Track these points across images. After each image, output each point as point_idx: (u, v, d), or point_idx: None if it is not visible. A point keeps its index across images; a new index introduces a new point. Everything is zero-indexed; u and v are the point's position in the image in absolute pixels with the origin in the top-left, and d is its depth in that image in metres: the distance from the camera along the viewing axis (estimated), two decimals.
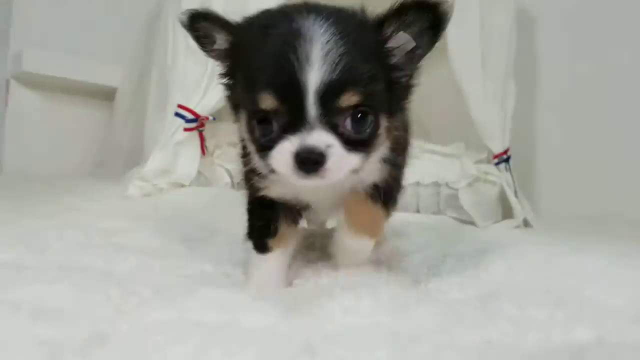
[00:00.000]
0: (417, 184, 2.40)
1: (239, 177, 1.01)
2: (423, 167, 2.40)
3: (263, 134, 0.77)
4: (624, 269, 0.99)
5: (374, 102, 0.77)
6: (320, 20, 0.75)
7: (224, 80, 0.90)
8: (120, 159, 2.91)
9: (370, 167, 0.85)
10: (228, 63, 0.88)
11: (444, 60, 2.38)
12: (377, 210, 0.93)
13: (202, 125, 2.18)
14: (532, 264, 1.07)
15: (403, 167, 0.99)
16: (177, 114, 2.11)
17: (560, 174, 2.79)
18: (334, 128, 0.74)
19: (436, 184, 2.41)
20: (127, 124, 2.90)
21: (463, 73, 2.42)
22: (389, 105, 0.82)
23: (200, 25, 0.87)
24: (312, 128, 0.73)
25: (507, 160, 2.48)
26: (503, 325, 0.68)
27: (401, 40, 0.80)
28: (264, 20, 0.81)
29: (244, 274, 1.00)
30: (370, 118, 0.77)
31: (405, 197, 2.35)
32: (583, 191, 2.64)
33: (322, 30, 0.73)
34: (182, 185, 2.07)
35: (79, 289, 0.77)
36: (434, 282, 0.98)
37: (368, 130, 0.77)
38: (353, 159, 0.77)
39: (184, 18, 0.87)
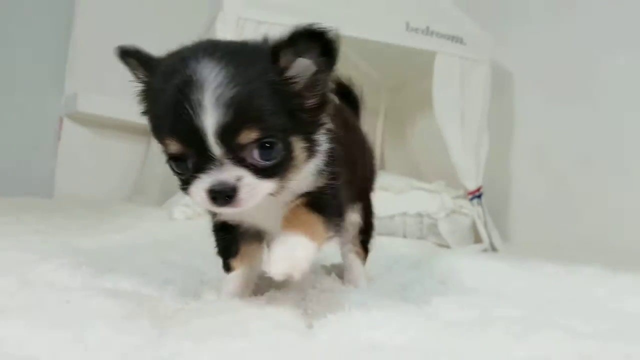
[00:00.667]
0: (404, 214, 2.89)
1: None
2: (410, 200, 2.93)
3: (180, 172, 0.82)
4: None
5: (277, 131, 0.79)
6: (212, 62, 0.76)
7: (145, 118, 0.90)
8: (155, 187, 3.35)
9: (299, 181, 0.88)
10: (144, 103, 0.88)
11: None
12: (312, 214, 0.89)
13: None
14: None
15: (338, 179, 0.94)
16: None
17: (531, 207, 3.24)
18: (241, 161, 0.78)
19: (420, 215, 2.89)
20: (162, 157, 3.36)
21: (445, 125, 2.98)
22: (301, 128, 0.83)
23: (128, 61, 0.88)
24: (221, 164, 0.77)
25: (479, 196, 3.01)
26: None
27: (301, 66, 0.81)
28: (164, 67, 0.82)
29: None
30: (277, 146, 0.79)
31: (394, 224, 2.87)
32: (552, 221, 3.06)
33: (213, 74, 0.75)
34: None
35: (186, 276, 1.23)
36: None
37: (278, 157, 0.80)
38: (266, 185, 0.80)
39: (117, 52, 0.88)
